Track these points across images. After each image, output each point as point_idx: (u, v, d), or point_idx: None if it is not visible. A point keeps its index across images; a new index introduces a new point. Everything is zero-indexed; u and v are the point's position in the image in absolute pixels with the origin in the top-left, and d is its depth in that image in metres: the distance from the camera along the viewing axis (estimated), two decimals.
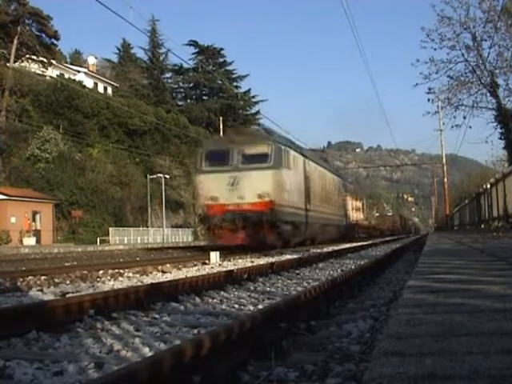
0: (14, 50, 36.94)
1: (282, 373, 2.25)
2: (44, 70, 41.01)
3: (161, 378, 1.84)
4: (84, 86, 44.19)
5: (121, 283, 6.35)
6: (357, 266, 8.04)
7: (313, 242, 20.45)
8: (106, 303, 3.99)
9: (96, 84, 51.66)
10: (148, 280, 6.53)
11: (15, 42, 36.66)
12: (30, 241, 30.25)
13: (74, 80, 44.46)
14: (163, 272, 7.97)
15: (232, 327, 2.47)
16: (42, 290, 5.59)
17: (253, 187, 14.91)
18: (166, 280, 6.01)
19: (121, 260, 12.60)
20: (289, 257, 11.33)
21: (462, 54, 19.79)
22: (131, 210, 42.19)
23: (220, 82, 53.84)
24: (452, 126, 20.90)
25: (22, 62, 39.27)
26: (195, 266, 9.40)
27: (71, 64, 52.81)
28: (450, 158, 40.19)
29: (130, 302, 4.23)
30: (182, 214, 48.05)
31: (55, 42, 40.65)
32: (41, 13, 37.64)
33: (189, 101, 60.24)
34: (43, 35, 39.08)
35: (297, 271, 8.02)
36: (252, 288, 5.83)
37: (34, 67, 40.20)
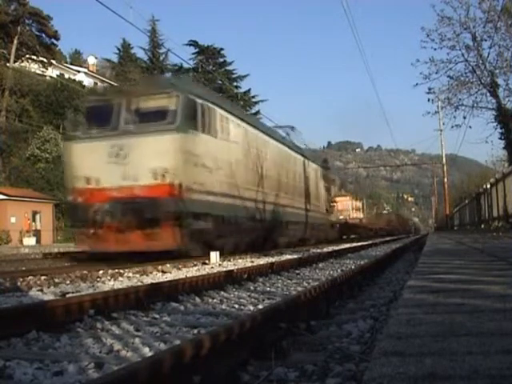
0: (13, 50, 36.95)
1: (281, 373, 2.25)
2: (44, 70, 41.03)
3: (161, 378, 1.84)
4: (84, 86, 44.17)
5: (121, 283, 6.35)
6: (357, 265, 8.04)
7: (273, 246, 15.47)
8: (106, 303, 3.99)
9: (96, 84, 51.63)
10: (148, 280, 6.53)
11: (15, 42, 36.68)
12: (30, 241, 30.26)
13: (74, 80, 44.46)
14: (163, 272, 7.97)
15: (232, 327, 2.47)
16: (42, 290, 5.59)
17: (146, 161, 9.89)
18: (165, 280, 6.01)
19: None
20: (289, 257, 11.33)
21: (462, 54, 19.81)
22: None
23: (220, 81, 53.82)
24: (452, 126, 20.91)
25: (22, 61, 39.29)
26: (195, 266, 9.39)
27: (71, 64, 52.82)
28: (450, 158, 40.19)
29: (130, 302, 4.23)
30: None
31: (55, 41, 40.72)
32: (41, 13, 37.65)
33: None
34: (43, 35, 39.11)
35: (297, 271, 8.02)
36: (252, 288, 5.83)
37: (34, 67, 40.22)
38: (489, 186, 17.68)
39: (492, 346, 1.08)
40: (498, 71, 19.40)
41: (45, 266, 10.64)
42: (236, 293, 5.38)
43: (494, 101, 19.68)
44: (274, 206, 15.90)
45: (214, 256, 10.44)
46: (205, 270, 8.12)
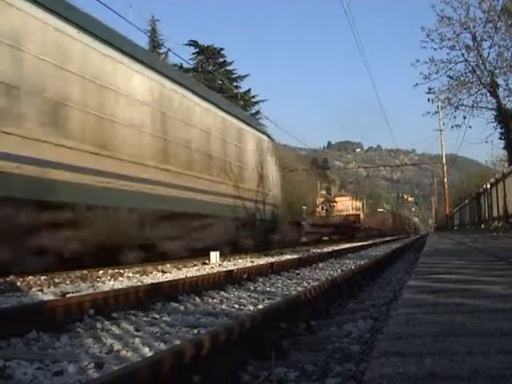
0: None
1: (281, 373, 2.25)
2: None
3: (161, 378, 1.84)
4: None
5: (121, 283, 6.35)
6: (357, 265, 8.05)
7: (154, 255, 9.99)
8: (106, 303, 3.99)
9: None
10: (148, 280, 6.53)
11: None
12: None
13: None
14: (163, 272, 7.97)
15: (232, 327, 2.47)
16: (42, 290, 5.59)
17: None
18: (165, 280, 6.01)
19: None
20: (289, 257, 11.33)
21: (462, 54, 19.79)
22: None
23: (220, 81, 53.82)
24: (452, 126, 20.88)
25: None
26: (195, 266, 9.40)
27: None
28: (450, 158, 40.17)
29: (130, 302, 4.24)
30: None
31: None
32: None
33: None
34: None
35: (297, 271, 8.03)
36: (252, 288, 5.83)
37: None
38: (489, 185, 17.68)
39: (492, 346, 1.08)
40: (497, 71, 19.40)
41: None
42: (236, 293, 5.38)
43: (494, 101, 19.67)
44: (182, 193, 10.73)
45: (214, 256, 10.45)
46: (205, 270, 8.12)
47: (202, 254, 10.97)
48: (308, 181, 60.38)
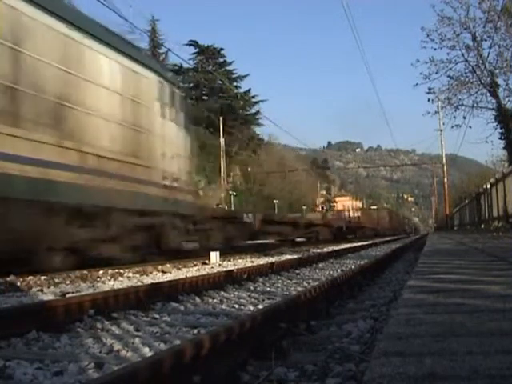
0: None
1: (281, 373, 2.25)
2: None
3: (161, 378, 1.84)
4: None
5: (121, 283, 6.35)
6: (357, 265, 8.05)
7: None
8: (106, 303, 3.99)
9: None
10: (148, 280, 6.53)
11: None
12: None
13: None
14: (163, 272, 7.97)
15: (232, 327, 2.47)
16: (42, 290, 5.59)
17: None
18: (165, 280, 6.01)
19: None
20: (289, 257, 11.33)
21: (462, 54, 19.82)
22: None
23: (220, 82, 53.83)
24: (452, 126, 20.92)
25: None
26: (195, 266, 9.40)
27: None
28: (450, 158, 40.17)
29: (130, 302, 4.24)
30: None
31: None
32: None
33: (189, 101, 60.21)
34: None
35: (297, 271, 8.03)
36: (252, 288, 5.83)
37: None
38: (489, 185, 17.68)
39: (492, 346, 1.08)
40: (497, 71, 19.42)
41: None
42: (236, 293, 5.38)
43: (494, 101, 19.70)
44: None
45: (214, 256, 10.45)
46: (205, 270, 8.13)
47: (202, 254, 10.98)
48: (308, 181, 60.25)
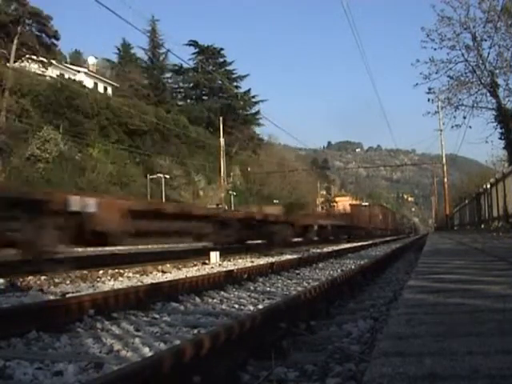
0: (14, 50, 36.94)
1: (281, 373, 2.25)
2: (44, 69, 41.00)
3: (161, 377, 1.84)
4: (84, 86, 44.20)
5: (121, 283, 6.35)
6: (357, 265, 8.05)
7: None
8: (106, 303, 3.99)
9: (96, 84, 51.66)
10: (148, 280, 6.53)
11: (15, 42, 36.66)
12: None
13: (74, 80, 44.47)
14: (163, 272, 7.97)
15: (232, 327, 2.47)
16: (42, 290, 5.59)
17: None
18: (165, 280, 6.01)
19: None
20: (289, 257, 11.33)
21: (462, 54, 19.82)
22: None
23: (220, 82, 53.80)
24: (452, 126, 20.92)
25: (22, 62, 39.27)
26: (195, 265, 9.40)
27: (71, 64, 52.80)
28: (450, 158, 40.15)
29: (130, 302, 4.23)
30: None
31: (55, 41, 40.69)
32: (41, 13, 37.65)
33: (189, 101, 60.24)
34: (43, 35, 39.08)
35: (297, 271, 8.02)
36: (252, 288, 5.83)
37: (34, 67, 40.20)
38: (489, 185, 17.68)
39: (492, 346, 1.08)
40: (497, 71, 19.42)
41: None
42: (236, 293, 5.38)
43: (494, 101, 19.69)
44: None
45: (214, 256, 10.45)
46: (205, 270, 8.12)
47: (202, 254, 10.99)
48: (308, 181, 60.22)
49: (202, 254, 11.04)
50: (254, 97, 60.31)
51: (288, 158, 68.72)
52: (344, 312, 3.98)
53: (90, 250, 11.23)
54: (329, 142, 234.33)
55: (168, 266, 8.94)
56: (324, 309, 3.91)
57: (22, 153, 36.21)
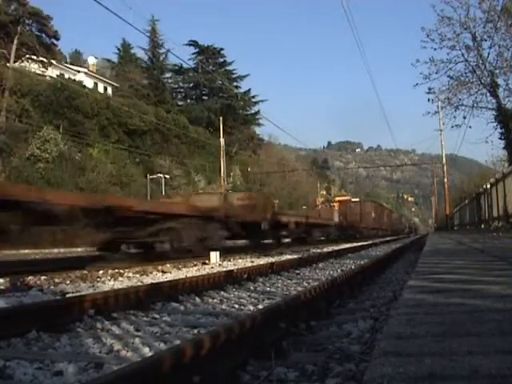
0: (13, 50, 36.95)
1: (281, 373, 2.25)
2: (44, 69, 41.03)
3: (161, 377, 1.84)
4: (84, 86, 44.22)
5: (121, 283, 6.34)
6: (357, 265, 8.05)
7: None
8: (106, 303, 3.99)
9: (96, 84, 51.68)
10: (148, 280, 6.53)
11: (15, 41, 36.68)
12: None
13: (74, 80, 44.48)
14: (163, 272, 7.97)
15: (232, 327, 2.47)
16: (41, 290, 5.59)
17: None
18: (165, 280, 6.01)
19: None
20: (289, 257, 11.33)
21: (462, 54, 19.84)
22: None
23: (220, 82, 53.81)
24: (452, 126, 20.95)
25: (22, 61, 39.29)
26: (195, 266, 9.40)
27: (71, 64, 52.83)
28: (450, 158, 40.17)
29: (130, 302, 4.23)
30: None
31: (55, 42, 40.73)
32: (41, 13, 37.66)
33: (189, 101, 60.27)
34: (43, 35, 39.10)
35: (297, 271, 8.03)
36: (252, 288, 5.83)
37: (34, 67, 40.21)
38: (489, 185, 17.68)
39: (492, 346, 1.08)
40: (497, 71, 19.44)
41: (45, 266, 10.62)
42: (236, 293, 5.38)
43: (494, 101, 19.71)
44: None
45: (214, 256, 10.44)
46: (205, 270, 8.12)
47: (201, 254, 10.99)
48: (308, 181, 60.15)
49: (201, 254, 11.04)
50: (253, 97, 60.37)
51: (288, 157, 68.78)
52: (344, 312, 3.98)
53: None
54: (329, 142, 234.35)
55: (168, 266, 8.93)
56: (324, 309, 3.91)
57: (22, 153, 36.22)
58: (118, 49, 58.54)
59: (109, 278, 7.09)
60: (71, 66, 51.42)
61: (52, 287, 5.95)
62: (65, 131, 38.80)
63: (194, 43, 58.00)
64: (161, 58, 58.53)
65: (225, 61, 59.53)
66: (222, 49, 58.85)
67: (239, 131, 56.08)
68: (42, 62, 39.87)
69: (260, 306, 4.19)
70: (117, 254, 8.86)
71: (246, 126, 58.70)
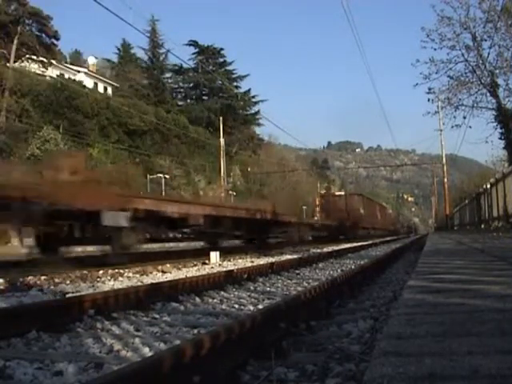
0: (14, 50, 36.95)
1: (281, 373, 2.25)
2: (44, 69, 41.03)
3: (161, 377, 1.84)
4: (84, 86, 44.22)
5: (121, 283, 6.34)
6: (357, 265, 8.05)
7: None
8: (106, 303, 3.99)
9: (96, 84, 51.68)
10: (148, 280, 6.53)
11: (15, 41, 36.67)
12: (30, 241, 29.72)
13: (74, 80, 44.50)
14: (163, 272, 7.96)
15: (232, 327, 2.47)
16: (41, 290, 5.59)
17: None
18: (165, 280, 6.01)
19: None
20: (289, 257, 11.33)
21: (462, 54, 19.84)
22: None
23: (220, 82, 53.79)
24: (452, 126, 20.94)
25: (22, 61, 39.29)
26: (195, 265, 9.40)
27: (71, 64, 52.82)
28: (450, 158, 40.15)
29: (130, 302, 4.23)
30: None
31: (55, 42, 40.71)
32: (41, 13, 37.66)
33: (189, 101, 60.25)
34: (43, 35, 39.10)
35: (297, 271, 8.02)
36: (252, 288, 5.83)
37: (34, 67, 40.22)
38: (489, 185, 17.68)
39: (492, 346, 1.08)
40: (497, 71, 19.43)
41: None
42: (236, 293, 5.38)
43: (494, 101, 19.71)
44: None
45: (214, 256, 10.44)
46: (205, 270, 8.12)
47: (202, 254, 10.99)
48: (308, 181, 60.11)
49: (202, 254, 11.04)
50: (253, 97, 60.32)
51: (288, 158, 68.76)
52: (344, 312, 3.98)
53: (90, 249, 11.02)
54: (329, 142, 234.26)
55: (168, 266, 8.93)
56: (324, 309, 3.91)
57: (22, 153, 36.20)
58: (118, 49, 58.53)
59: (109, 277, 7.09)
60: (71, 66, 51.42)
61: (52, 287, 5.96)
62: (65, 131, 38.79)
63: (193, 43, 57.99)
64: (161, 58, 58.51)
65: (225, 61, 59.51)
66: (221, 49, 58.85)
67: (239, 131, 56.07)
68: (42, 62, 39.87)
69: (260, 306, 4.19)
70: None
71: (245, 125, 58.68)
